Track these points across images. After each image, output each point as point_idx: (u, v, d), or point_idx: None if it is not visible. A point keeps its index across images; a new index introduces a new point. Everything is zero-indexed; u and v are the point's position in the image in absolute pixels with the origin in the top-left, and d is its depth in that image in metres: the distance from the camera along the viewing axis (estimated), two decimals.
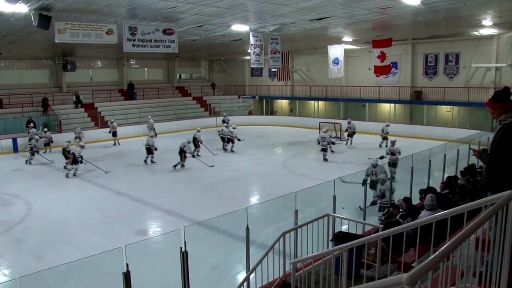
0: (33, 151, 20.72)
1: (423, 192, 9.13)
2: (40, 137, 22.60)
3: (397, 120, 28.34)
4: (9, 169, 19.25)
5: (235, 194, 14.48)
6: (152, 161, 19.73)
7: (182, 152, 18.62)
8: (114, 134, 25.34)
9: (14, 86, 27.90)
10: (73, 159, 17.52)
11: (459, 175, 11.23)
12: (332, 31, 20.79)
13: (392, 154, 15.81)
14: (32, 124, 24.10)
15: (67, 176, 17.40)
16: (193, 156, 19.92)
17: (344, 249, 4.96)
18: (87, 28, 14.20)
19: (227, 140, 22.72)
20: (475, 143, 15.64)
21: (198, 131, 22.04)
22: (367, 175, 12.38)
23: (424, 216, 6.54)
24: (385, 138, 22.39)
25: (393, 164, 15.44)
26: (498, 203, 3.09)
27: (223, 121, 27.89)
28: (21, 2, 11.84)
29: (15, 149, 23.17)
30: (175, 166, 18.38)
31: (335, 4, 13.70)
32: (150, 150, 19.70)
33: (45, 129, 24.30)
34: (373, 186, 12.20)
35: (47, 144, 23.22)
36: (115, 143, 25.31)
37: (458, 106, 25.96)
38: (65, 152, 18.31)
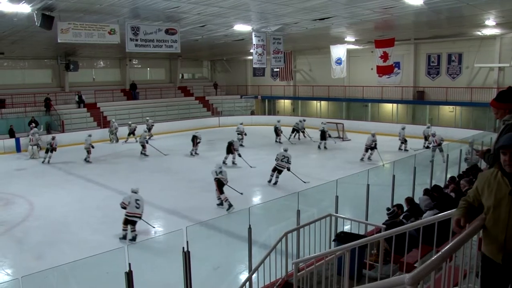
0: (34, 145, 21.39)
1: (426, 192, 9.14)
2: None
3: (400, 120, 28.28)
4: (11, 168, 19.30)
5: (237, 194, 14.47)
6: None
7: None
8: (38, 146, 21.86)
9: (16, 86, 27.94)
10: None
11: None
12: (335, 31, 20.77)
13: None
14: (33, 124, 24.15)
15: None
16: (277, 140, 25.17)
17: (346, 249, 4.95)
18: (89, 28, 14.22)
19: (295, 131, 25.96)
20: (478, 143, 15.62)
21: (279, 121, 25.93)
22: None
23: (428, 217, 6.52)
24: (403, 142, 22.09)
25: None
26: None
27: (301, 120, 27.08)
28: (24, 2, 11.86)
29: (18, 148, 23.20)
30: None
31: (337, 4, 13.69)
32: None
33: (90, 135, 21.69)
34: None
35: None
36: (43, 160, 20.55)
37: (460, 106, 25.89)
38: (194, 139, 21.24)
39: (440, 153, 17.00)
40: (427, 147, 21.48)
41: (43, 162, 20.11)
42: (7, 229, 11.66)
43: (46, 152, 20.26)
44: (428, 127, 22.83)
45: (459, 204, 3.05)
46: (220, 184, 12.97)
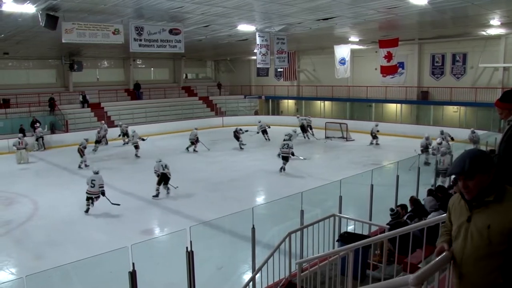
0: (23, 148, 20.73)
1: (430, 193, 9.11)
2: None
3: (404, 120, 28.23)
4: (16, 168, 19.37)
5: (240, 194, 14.48)
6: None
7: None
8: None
9: (21, 86, 28.07)
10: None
11: None
12: (339, 31, 20.74)
13: None
14: (38, 124, 24.23)
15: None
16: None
17: (350, 249, 4.94)
18: (93, 28, 14.25)
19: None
20: (482, 144, 15.55)
21: (304, 119, 27.25)
22: None
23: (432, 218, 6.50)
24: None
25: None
26: None
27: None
28: (28, 3, 11.91)
29: None
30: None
31: (341, 4, 13.66)
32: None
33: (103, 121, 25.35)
34: None
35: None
36: None
37: (465, 106, 25.81)
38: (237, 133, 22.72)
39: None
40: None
41: (80, 167, 18.62)
42: (11, 229, 11.71)
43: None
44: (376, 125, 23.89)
45: (440, 232, 2.78)
46: (164, 178, 14.31)
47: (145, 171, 18.18)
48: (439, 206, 7.83)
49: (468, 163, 2.32)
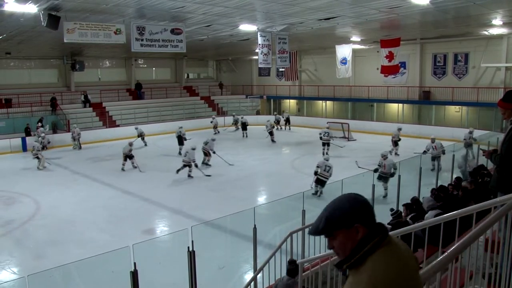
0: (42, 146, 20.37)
1: (431, 193, 9.10)
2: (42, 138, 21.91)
3: (406, 120, 28.17)
4: (18, 167, 19.40)
5: (242, 194, 14.48)
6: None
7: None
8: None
9: (23, 86, 28.10)
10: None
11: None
12: (340, 31, 20.72)
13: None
14: (40, 124, 24.26)
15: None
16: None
17: None
18: (95, 28, 14.26)
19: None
20: (484, 143, 15.52)
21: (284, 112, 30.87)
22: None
23: (430, 217, 6.49)
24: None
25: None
26: (508, 204, 3.06)
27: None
28: (30, 3, 11.92)
29: (24, 148, 23.29)
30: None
31: (343, 4, 13.65)
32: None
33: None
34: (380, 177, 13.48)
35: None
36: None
37: (467, 106, 25.75)
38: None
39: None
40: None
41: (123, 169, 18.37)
42: (13, 228, 11.73)
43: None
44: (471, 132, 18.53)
45: None
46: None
47: (146, 171, 18.22)
48: (440, 206, 7.80)
49: (324, 221, 1.80)
